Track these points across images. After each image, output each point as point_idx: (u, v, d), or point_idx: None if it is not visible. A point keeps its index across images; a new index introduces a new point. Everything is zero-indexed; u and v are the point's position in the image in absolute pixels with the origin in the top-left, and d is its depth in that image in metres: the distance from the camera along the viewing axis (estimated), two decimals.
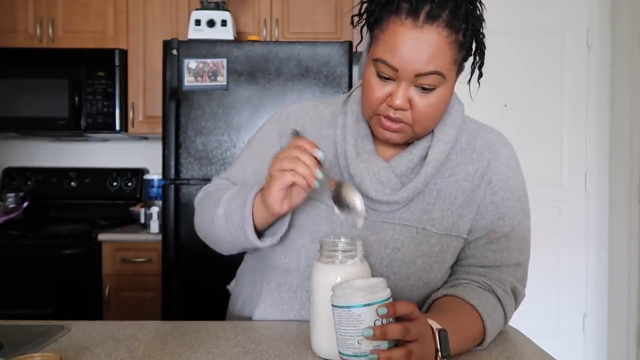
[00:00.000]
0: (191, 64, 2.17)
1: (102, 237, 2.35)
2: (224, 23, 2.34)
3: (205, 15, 2.34)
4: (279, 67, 2.19)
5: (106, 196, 2.83)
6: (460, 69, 0.83)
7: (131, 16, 2.61)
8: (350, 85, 2.21)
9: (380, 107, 0.82)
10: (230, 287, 1.14)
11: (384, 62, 0.78)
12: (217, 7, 2.38)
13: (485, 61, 0.85)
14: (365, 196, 0.87)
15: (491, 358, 0.78)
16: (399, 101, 0.79)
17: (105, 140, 2.95)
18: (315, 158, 0.78)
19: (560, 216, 2.73)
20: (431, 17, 0.75)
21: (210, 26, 2.33)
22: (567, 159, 2.73)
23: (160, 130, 2.30)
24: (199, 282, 2.14)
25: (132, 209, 2.71)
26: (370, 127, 0.90)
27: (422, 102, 0.80)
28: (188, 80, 2.17)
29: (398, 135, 0.84)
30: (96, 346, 0.80)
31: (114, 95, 2.54)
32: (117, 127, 2.55)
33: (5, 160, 2.93)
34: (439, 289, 0.90)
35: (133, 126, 2.62)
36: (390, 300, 0.67)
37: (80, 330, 0.87)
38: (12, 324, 0.92)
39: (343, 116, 0.93)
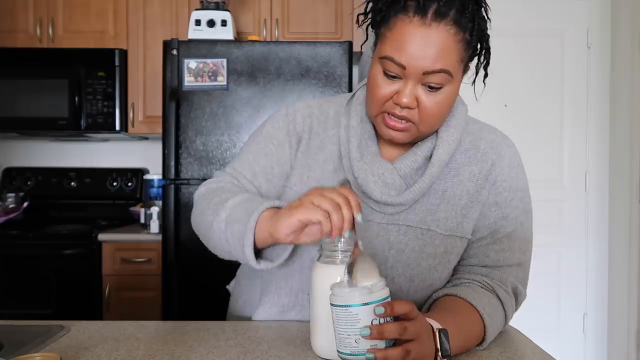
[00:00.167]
0: (191, 64, 2.17)
1: (102, 237, 2.35)
2: (224, 23, 2.34)
3: (205, 15, 2.34)
4: (279, 67, 2.19)
5: (106, 196, 2.83)
6: (465, 68, 0.83)
7: (131, 16, 2.61)
8: (350, 85, 2.21)
9: (386, 104, 0.81)
10: (230, 287, 1.13)
11: (392, 60, 0.78)
12: (217, 7, 2.38)
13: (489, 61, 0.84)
14: (370, 198, 0.86)
15: (491, 358, 0.78)
16: (406, 99, 0.78)
17: (105, 140, 2.95)
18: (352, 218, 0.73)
19: (560, 216, 2.73)
20: (439, 15, 0.75)
21: (210, 26, 2.33)
22: (567, 159, 2.74)
23: (160, 130, 2.30)
24: (199, 282, 2.14)
25: (132, 209, 2.71)
26: (374, 128, 0.90)
27: (429, 100, 0.79)
28: (188, 81, 2.17)
29: (403, 134, 0.83)
30: (96, 346, 0.80)
31: (114, 95, 2.54)
32: (117, 127, 2.55)
33: (5, 160, 2.93)
34: (440, 288, 0.90)
35: (133, 126, 2.62)
36: (389, 299, 0.67)
37: (80, 330, 0.87)
38: (12, 324, 0.92)
39: (347, 117, 0.92)
